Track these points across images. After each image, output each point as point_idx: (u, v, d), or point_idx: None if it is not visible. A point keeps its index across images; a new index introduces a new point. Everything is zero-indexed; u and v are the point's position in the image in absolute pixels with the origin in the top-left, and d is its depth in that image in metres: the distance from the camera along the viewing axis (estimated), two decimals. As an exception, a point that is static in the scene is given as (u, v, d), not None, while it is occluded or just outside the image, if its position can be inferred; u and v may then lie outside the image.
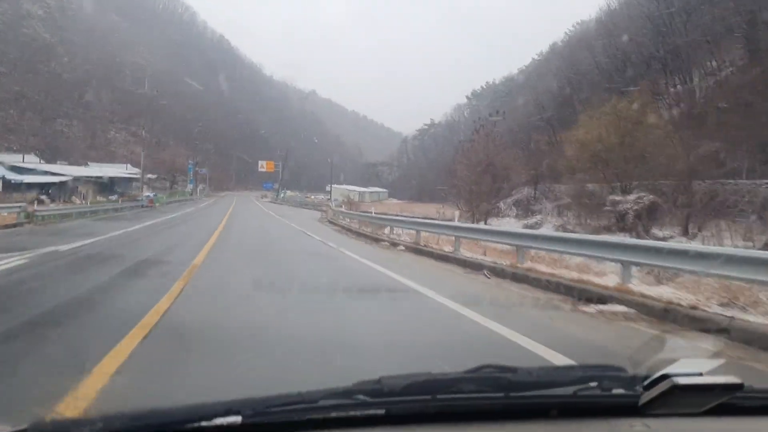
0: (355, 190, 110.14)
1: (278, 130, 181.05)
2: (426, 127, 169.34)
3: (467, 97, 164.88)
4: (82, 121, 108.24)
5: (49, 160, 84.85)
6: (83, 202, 45.17)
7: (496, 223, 34.62)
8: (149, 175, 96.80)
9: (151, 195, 57.25)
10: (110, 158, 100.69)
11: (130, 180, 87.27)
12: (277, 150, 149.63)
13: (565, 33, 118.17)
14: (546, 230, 29.00)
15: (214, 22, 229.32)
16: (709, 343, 4.77)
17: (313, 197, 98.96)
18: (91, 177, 56.14)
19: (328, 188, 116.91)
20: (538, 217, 36.91)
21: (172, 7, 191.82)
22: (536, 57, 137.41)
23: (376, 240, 20.17)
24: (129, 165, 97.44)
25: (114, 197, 50.86)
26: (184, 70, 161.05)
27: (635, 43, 61.00)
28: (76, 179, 54.07)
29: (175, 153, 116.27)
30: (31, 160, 75.87)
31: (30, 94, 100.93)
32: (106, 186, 61.27)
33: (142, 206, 45.70)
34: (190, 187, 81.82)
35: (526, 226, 35.50)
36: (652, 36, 60.27)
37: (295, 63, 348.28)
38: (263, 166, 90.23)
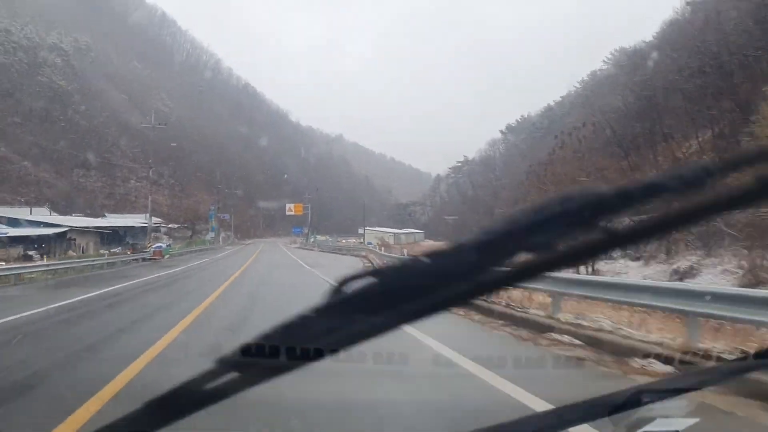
0: (389, 232, 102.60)
1: (305, 173, 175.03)
2: (459, 164, 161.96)
3: (502, 131, 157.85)
4: (100, 170, 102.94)
5: (64, 213, 79.23)
6: (81, 255, 38.23)
7: (607, 270, 24.00)
8: (172, 225, 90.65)
9: (163, 245, 50.24)
10: (131, 208, 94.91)
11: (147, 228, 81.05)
12: (305, 193, 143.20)
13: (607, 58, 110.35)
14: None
15: (239, 69, 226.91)
16: None
17: (344, 241, 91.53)
18: (92, 228, 49.20)
19: (360, 231, 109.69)
20: (692, 259, 23.65)
21: (196, 54, 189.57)
22: (576, 85, 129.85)
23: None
24: (149, 214, 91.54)
25: (118, 249, 43.74)
26: (209, 116, 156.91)
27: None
28: (80, 231, 47.39)
29: (199, 200, 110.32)
30: (42, 213, 70.07)
31: (45, 144, 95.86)
32: (116, 237, 54.59)
33: (144, 259, 38.34)
34: (211, 235, 75.00)
35: (677, 275, 23.62)
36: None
37: (321, 108, 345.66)
38: (291, 209, 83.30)
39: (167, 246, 51.84)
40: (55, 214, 77.62)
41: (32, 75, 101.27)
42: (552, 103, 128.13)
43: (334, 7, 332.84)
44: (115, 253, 40.98)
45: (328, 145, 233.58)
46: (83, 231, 46.90)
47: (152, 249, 42.82)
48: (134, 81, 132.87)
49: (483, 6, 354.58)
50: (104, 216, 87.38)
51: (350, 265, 33.17)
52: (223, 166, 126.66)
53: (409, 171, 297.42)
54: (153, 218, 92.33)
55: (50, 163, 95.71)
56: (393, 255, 31.98)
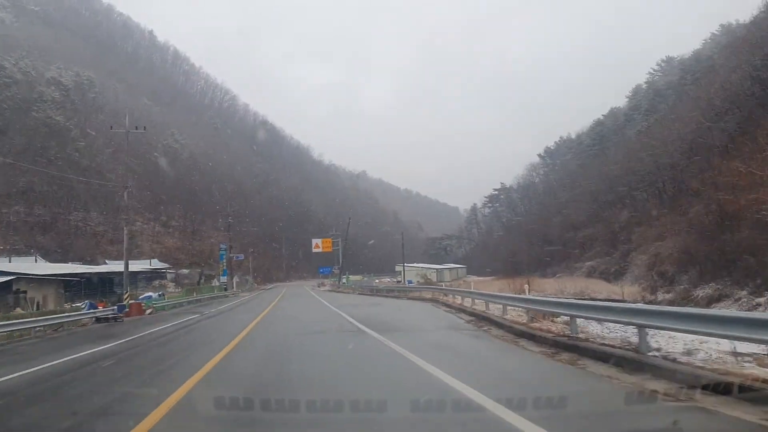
0: (431, 268, 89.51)
1: (330, 210, 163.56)
2: (497, 192, 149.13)
3: (540, 155, 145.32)
4: (101, 213, 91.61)
5: (59, 261, 68.01)
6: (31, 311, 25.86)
7: None
8: (183, 270, 78.69)
9: (153, 295, 37.92)
10: (137, 254, 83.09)
11: (151, 276, 68.85)
12: (331, 230, 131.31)
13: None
14: None
15: (256, 105, 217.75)
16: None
17: (380, 280, 78.84)
18: (50, 276, 36.76)
19: (397, 268, 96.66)
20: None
21: (211, 91, 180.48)
22: (628, 94, 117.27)
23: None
24: (156, 260, 79.71)
25: (84, 303, 31.24)
26: (225, 153, 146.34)
27: None
28: (36, 280, 35.19)
29: (213, 243, 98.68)
30: (29, 262, 58.80)
31: (39, 187, 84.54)
32: (95, 286, 42.40)
33: (99, 319, 25.59)
34: (222, 279, 62.57)
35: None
36: None
37: (342, 145, 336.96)
38: (318, 245, 71.39)
39: (159, 295, 39.46)
40: (44, 261, 66.18)
41: (26, 111, 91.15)
42: (602, 117, 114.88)
43: (352, 47, 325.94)
44: (80, 310, 28.58)
45: (352, 181, 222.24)
46: (40, 280, 34.63)
47: (128, 302, 30.17)
48: (142, 118, 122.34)
49: (500, 38, 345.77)
50: (104, 263, 75.77)
51: (430, 315, 20.38)
52: (240, 204, 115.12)
53: (436, 205, 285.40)
54: (159, 263, 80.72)
55: (45, 205, 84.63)
56: (502, 295, 19.20)
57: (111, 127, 45.25)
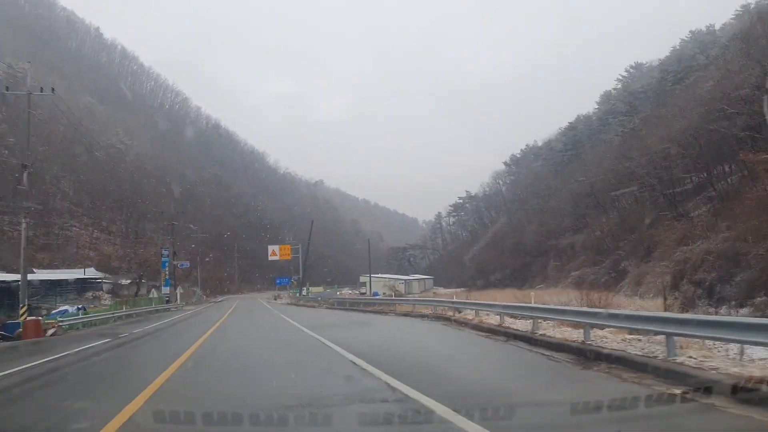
0: (398, 279, 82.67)
1: (287, 218, 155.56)
2: (461, 201, 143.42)
3: (506, 163, 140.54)
4: (33, 217, 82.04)
5: (-23, 270, 58.79)
6: None
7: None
8: (123, 280, 69.93)
9: (72, 309, 30.18)
10: (71, 261, 74.08)
11: (83, 287, 60.12)
12: (288, 238, 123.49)
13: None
14: None
15: (208, 109, 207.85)
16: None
17: (343, 292, 71.62)
18: None
19: (362, 279, 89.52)
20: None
21: (161, 92, 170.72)
22: (597, 101, 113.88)
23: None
24: (93, 268, 70.92)
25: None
26: (175, 156, 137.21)
27: None
28: None
29: (159, 251, 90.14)
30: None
31: (-41, 186, 74.75)
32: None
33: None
34: (165, 290, 54.30)
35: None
36: None
37: (298, 155, 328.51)
38: (275, 253, 63.77)
39: (78, 309, 31.62)
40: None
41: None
42: (569, 123, 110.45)
43: (308, 59, 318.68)
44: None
45: (309, 189, 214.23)
46: None
47: (23, 319, 22.41)
48: (84, 117, 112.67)
49: (459, 50, 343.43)
50: (32, 272, 66.73)
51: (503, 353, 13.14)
52: (190, 209, 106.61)
53: (395, 216, 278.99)
54: (95, 272, 71.90)
55: (-35, 208, 74.79)
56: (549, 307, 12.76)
57: (6, 88, 37.04)
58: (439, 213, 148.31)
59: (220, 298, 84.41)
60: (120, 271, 74.67)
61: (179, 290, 56.92)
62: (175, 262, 57.71)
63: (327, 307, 40.70)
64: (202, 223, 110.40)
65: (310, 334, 18.38)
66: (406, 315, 26.60)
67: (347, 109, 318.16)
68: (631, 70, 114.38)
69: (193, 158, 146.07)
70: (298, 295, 62.27)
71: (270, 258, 65.26)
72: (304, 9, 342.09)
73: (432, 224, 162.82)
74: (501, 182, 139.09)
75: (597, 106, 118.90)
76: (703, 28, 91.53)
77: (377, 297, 55.55)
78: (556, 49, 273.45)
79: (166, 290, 52.60)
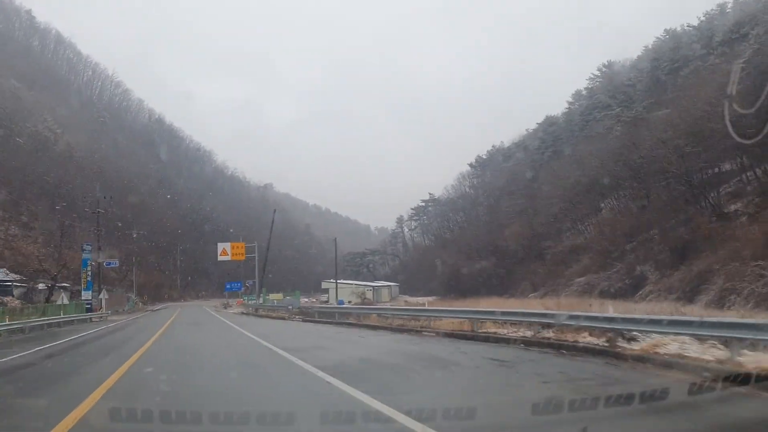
0: (366, 286, 73.33)
1: (236, 219, 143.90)
2: (424, 203, 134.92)
3: (471, 165, 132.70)
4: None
5: None
6: None
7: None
8: (41, 284, 58.33)
9: None
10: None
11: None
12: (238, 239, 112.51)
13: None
14: None
15: (152, 103, 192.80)
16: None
17: (308, 300, 61.92)
18: None
19: (324, 285, 79.81)
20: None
21: (100, 83, 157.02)
22: (569, 100, 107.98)
23: None
24: (4, 270, 59.13)
25: None
26: (112, 149, 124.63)
27: None
28: None
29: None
30: None
31: None
32: None
33: None
34: (86, 295, 43.08)
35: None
36: None
37: (245, 158, 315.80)
38: (225, 252, 53.31)
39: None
40: None
41: None
42: (536, 124, 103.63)
43: (257, 63, 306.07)
44: None
45: (258, 192, 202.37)
46: None
47: None
48: (7, 102, 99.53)
49: (414, 57, 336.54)
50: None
51: None
52: (127, 206, 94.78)
53: (347, 222, 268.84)
54: (5, 274, 60.14)
55: None
56: None
57: None
58: (401, 216, 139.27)
59: (158, 306, 73.32)
60: (42, 274, 63.23)
61: (103, 295, 45.95)
62: (100, 260, 46.62)
63: (303, 319, 30.92)
64: (141, 222, 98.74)
65: (328, 381, 8.91)
66: (408, 330, 17.54)
67: (297, 114, 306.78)
68: (604, 69, 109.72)
69: (133, 153, 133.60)
70: (254, 302, 51.85)
71: (220, 258, 54.77)
72: (255, 11, 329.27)
73: (388, 231, 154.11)
74: (467, 185, 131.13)
75: (568, 106, 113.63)
76: (678, 28, 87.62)
77: (343, 306, 46.74)
78: (514, 54, 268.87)
79: (88, 295, 41.63)
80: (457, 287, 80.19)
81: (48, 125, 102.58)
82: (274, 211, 53.02)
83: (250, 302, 51.84)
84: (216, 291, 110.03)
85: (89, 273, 42.28)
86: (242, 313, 43.30)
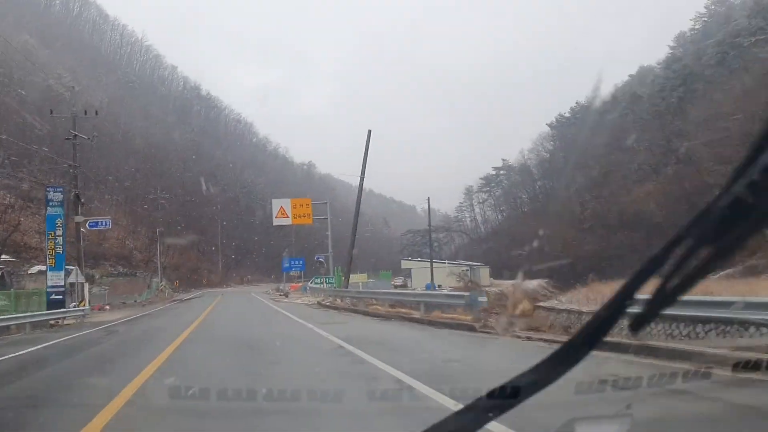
0: (462, 265, 56.10)
1: (282, 196, 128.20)
2: (494, 172, 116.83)
3: (549, 125, 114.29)
4: None
5: None
6: None
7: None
8: (36, 267, 42.53)
9: None
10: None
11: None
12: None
13: None
14: None
15: (188, 72, 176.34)
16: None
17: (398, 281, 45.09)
18: None
19: (407, 265, 62.79)
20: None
21: (129, 48, 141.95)
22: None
23: None
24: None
25: None
26: (141, 115, 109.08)
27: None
28: None
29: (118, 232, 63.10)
30: None
31: None
32: None
33: None
34: (54, 277, 25.27)
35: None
36: None
37: (285, 137, 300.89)
38: (284, 211, 35.88)
39: None
40: None
41: None
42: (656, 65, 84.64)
43: (291, 50, 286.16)
44: None
45: (302, 170, 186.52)
46: None
47: None
48: (16, 55, 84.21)
49: (448, 36, 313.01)
50: None
51: None
52: (155, 176, 79.17)
53: (392, 203, 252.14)
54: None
55: None
56: None
57: None
58: (470, 187, 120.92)
59: (192, 294, 57.14)
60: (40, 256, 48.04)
61: (76, 277, 28.61)
62: (79, 219, 29.53)
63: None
64: (174, 195, 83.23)
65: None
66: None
67: (332, 97, 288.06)
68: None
69: (164, 121, 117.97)
70: (330, 286, 34.40)
71: (276, 221, 37.24)
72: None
73: (438, 211, 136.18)
74: (546, 148, 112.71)
75: (671, 51, 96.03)
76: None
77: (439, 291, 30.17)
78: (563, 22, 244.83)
79: (57, 278, 24.45)
80: (566, 268, 62.60)
81: (63, 82, 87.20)
82: (369, 132, 34.01)
83: (326, 285, 34.44)
84: (263, 274, 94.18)
85: (60, 239, 25.44)
86: (324, 306, 26.00)
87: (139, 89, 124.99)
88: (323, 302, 27.56)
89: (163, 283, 55.65)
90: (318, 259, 34.89)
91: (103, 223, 31.81)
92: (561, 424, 3.83)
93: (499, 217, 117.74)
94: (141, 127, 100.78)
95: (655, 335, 9.53)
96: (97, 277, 50.44)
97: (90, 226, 30.34)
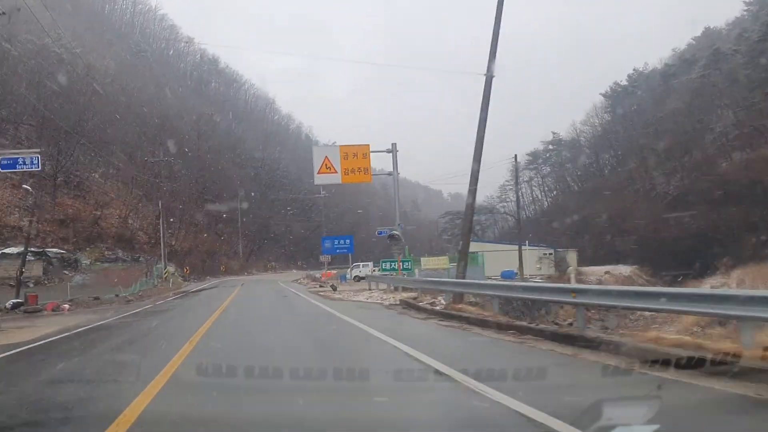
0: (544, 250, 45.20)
1: (308, 175, 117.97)
2: (543, 146, 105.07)
3: (603, 94, 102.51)
4: None
5: None
6: None
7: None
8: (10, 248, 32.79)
9: None
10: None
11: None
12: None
13: None
14: None
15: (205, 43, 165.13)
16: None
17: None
18: None
19: (475, 248, 51.79)
20: None
21: (142, 17, 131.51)
22: None
23: None
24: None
25: None
26: (151, 84, 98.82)
27: None
28: None
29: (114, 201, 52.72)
30: None
31: None
32: None
33: None
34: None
35: None
36: None
37: (306, 118, 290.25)
38: (328, 164, 24.45)
39: None
40: None
41: None
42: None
43: (312, 33, 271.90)
44: None
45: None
46: None
47: None
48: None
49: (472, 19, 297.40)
50: None
51: None
52: (168, 151, 68.73)
53: (418, 187, 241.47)
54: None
55: None
56: None
57: None
58: (516, 163, 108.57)
59: (206, 284, 46.53)
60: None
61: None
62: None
63: None
64: (189, 169, 73.02)
65: None
66: None
67: (355, 81, 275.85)
68: None
69: (178, 93, 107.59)
70: (408, 274, 23.06)
71: (318, 178, 25.00)
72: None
73: (463, 196, 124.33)
74: (599, 121, 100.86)
75: (746, 7, 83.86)
76: None
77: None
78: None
79: None
80: (654, 251, 51.36)
81: (64, 43, 76.93)
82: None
83: (402, 273, 23.33)
84: (288, 259, 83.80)
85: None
86: (428, 310, 14.67)
87: (152, 59, 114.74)
88: (417, 301, 16.57)
89: (169, 270, 45.18)
90: (389, 233, 24.12)
91: (27, 162, 20.58)
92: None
93: (547, 197, 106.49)
94: (152, 98, 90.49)
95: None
96: (85, 262, 40.12)
97: (3, 167, 19.59)
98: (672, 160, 67.53)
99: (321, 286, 33.42)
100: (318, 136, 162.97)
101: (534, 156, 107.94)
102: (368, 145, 26.18)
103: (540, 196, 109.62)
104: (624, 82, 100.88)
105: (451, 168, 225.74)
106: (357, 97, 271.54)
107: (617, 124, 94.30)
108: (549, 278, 36.17)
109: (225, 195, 76.49)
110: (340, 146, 26.40)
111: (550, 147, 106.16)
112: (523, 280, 33.63)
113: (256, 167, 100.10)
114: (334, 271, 52.63)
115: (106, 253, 45.94)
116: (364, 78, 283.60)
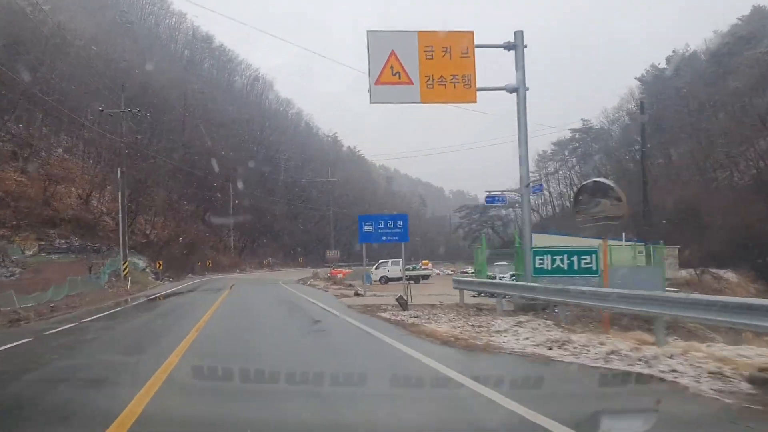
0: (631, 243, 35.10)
1: (306, 161, 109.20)
2: (572, 134, 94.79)
3: (639, 79, 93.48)
4: None
5: None
6: None
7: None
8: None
9: None
10: None
11: None
12: (317, 183, 76.95)
13: None
14: None
15: (199, 21, 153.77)
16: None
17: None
18: None
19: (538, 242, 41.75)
20: None
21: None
22: None
23: None
24: None
25: None
26: (137, 55, 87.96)
27: None
28: None
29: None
30: None
31: None
32: None
33: None
34: None
35: None
36: None
37: (305, 108, 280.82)
38: (397, 65, 14.12)
39: None
40: None
41: None
42: None
43: (311, 29, 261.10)
44: None
45: (328, 140, 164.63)
46: None
47: None
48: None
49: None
50: None
51: None
52: (152, 130, 58.60)
53: (419, 184, 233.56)
54: None
55: None
56: None
57: None
58: (542, 153, 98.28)
59: (183, 283, 35.87)
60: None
61: None
62: None
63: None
64: (174, 148, 62.45)
65: None
66: None
67: (353, 78, 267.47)
68: None
69: (164, 67, 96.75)
70: (510, 277, 9.17)
71: (376, 92, 14.41)
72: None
73: (466, 194, 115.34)
74: (636, 104, 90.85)
75: None
76: None
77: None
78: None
79: None
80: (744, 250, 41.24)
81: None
82: None
83: (504, 277, 13.97)
84: (288, 256, 73.44)
85: None
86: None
87: (139, 32, 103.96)
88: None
89: (138, 264, 34.60)
90: (534, 190, 14.09)
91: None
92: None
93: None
94: (138, 68, 79.79)
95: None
96: (21, 251, 29.62)
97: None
98: (743, 144, 57.50)
99: (358, 294, 21.92)
100: (319, 126, 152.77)
101: (560, 146, 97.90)
102: (471, 32, 14.59)
103: (565, 191, 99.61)
104: (661, 65, 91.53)
105: (450, 165, 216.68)
106: (357, 96, 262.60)
107: (661, 108, 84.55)
108: (684, 285, 25.86)
109: (215, 180, 65.86)
110: (420, 32, 14.37)
111: (577, 136, 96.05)
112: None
113: (251, 150, 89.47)
114: (348, 269, 42.28)
115: (57, 242, 35.40)
116: (364, 77, 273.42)
